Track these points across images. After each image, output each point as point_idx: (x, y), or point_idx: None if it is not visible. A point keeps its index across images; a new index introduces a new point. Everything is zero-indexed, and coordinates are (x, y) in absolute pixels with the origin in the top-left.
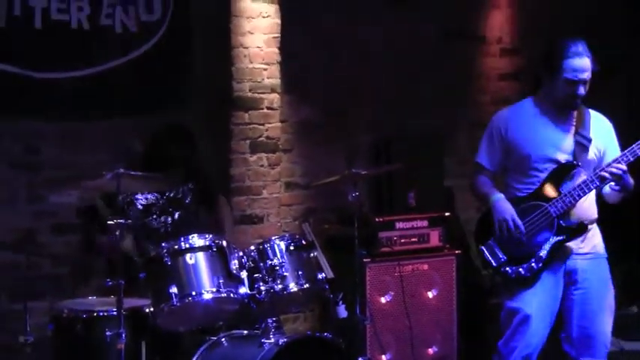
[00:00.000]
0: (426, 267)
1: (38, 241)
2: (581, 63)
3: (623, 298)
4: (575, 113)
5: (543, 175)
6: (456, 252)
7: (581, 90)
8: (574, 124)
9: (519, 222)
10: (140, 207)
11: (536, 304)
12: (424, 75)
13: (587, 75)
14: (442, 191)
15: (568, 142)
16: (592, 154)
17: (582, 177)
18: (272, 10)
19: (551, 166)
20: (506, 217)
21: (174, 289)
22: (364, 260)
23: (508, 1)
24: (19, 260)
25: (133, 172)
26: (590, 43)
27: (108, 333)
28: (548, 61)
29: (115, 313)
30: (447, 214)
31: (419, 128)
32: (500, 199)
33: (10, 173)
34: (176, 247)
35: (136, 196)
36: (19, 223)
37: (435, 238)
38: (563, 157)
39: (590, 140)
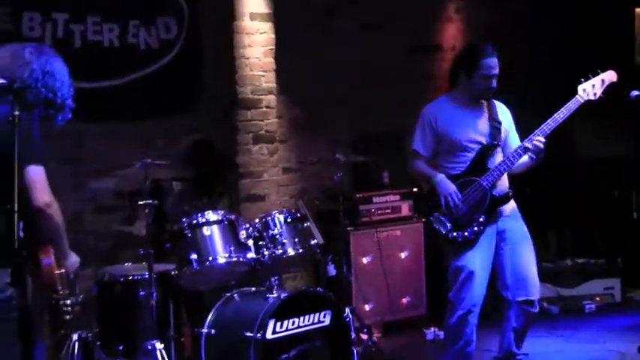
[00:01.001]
0: (398, 233)
1: (83, 221)
2: (494, 62)
3: (557, 255)
4: (485, 102)
5: (470, 155)
6: (423, 220)
7: (494, 83)
8: (486, 111)
9: (460, 195)
10: (176, 191)
11: (478, 261)
12: (392, 81)
13: (497, 71)
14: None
15: (485, 126)
16: (503, 134)
17: (500, 153)
18: (267, 27)
19: (476, 147)
20: (450, 192)
21: (194, 256)
22: (348, 229)
23: (458, 16)
24: (68, 237)
25: (157, 162)
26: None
27: (141, 293)
28: (468, 61)
29: (147, 276)
30: (414, 189)
31: (389, 124)
32: (443, 178)
33: (60, 166)
34: (194, 221)
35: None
36: (68, 206)
37: (405, 209)
38: (483, 139)
39: (500, 123)
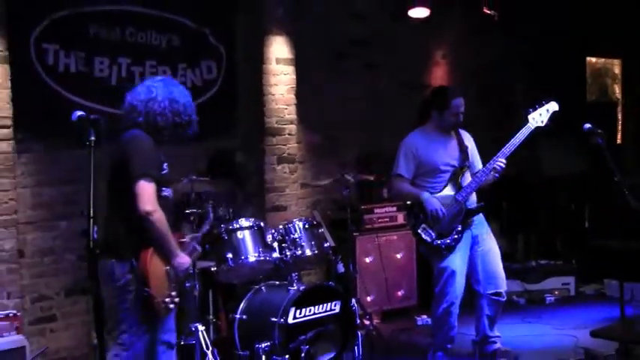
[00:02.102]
0: (395, 237)
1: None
2: (461, 101)
3: (524, 256)
4: (453, 132)
5: (446, 176)
6: None
7: (461, 118)
8: (455, 139)
9: (444, 210)
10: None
11: (458, 262)
12: (390, 112)
13: (463, 108)
14: None
15: (455, 151)
16: (470, 157)
17: (468, 173)
18: (290, 69)
19: (450, 169)
20: (437, 208)
21: (229, 255)
22: (354, 234)
23: (444, 61)
24: None
25: (201, 178)
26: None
27: (187, 284)
28: (439, 101)
29: (192, 271)
30: (408, 202)
31: (388, 148)
32: (429, 196)
33: None
34: (230, 227)
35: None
36: None
37: (400, 219)
38: (455, 162)
39: (467, 147)
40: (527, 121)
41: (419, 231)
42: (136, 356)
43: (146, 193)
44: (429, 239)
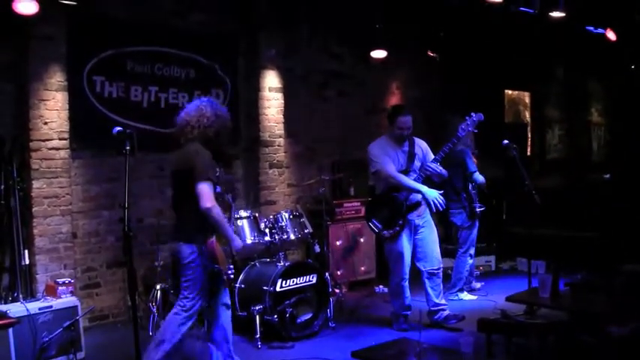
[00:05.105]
0: (359, 226)
1: (164, 214)
2: (407, 119)
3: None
4: (407, 140)
5: None
6: None
7: (406, 132)
8: (407, 147)
9: (438, 194)
10: None
11: (405, 245)
12: (357, 129)
13: (409, 124)
14: (367, 187)
15: (403, 158)
16: (417, 162)
17: (413, 176)
18: (279, 96)
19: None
20: (435, 195)
21: None
22: (328, 223)
23: (398, 91)
24: (154, 223)
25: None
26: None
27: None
28: (392, 117)
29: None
30: (369, 199)
31: (355, 156)
32: (426, 188)
33: (150, 180)
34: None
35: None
36: (154, 205)
37: (364, 211)
38: (401, 166)
39: (415, 154)
40: (457, 130)
41: (369, 223)
42: (193, 314)
43: (206, 193)
44: (376, 230)
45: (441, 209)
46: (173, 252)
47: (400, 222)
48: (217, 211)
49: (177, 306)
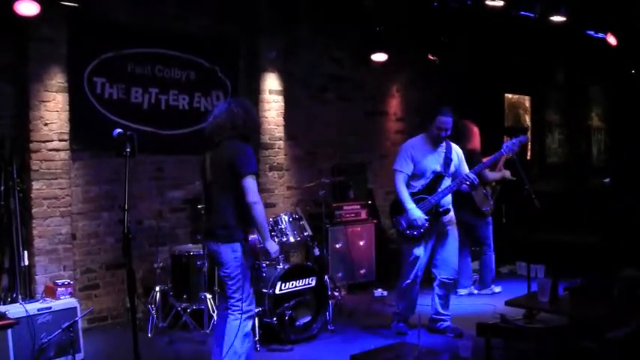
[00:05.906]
0: (359, 229)
1: (163, 216)
2: (447, 120)
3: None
4: (443, 143)
5: (427, 179)
6: (374, 221)
7: (444, 134)
8: (443, 150)
9: (424, 220)
10: None
11: (422, 250)
12: (357, 132)
13: (448, 125)
14: (367, 190)
15: (440, 160)
16: (452, 167)
17: (447, 181)
18: (279, 98)
19: (432, 175)
20: (419, 217)
21: None
22: (327, 225)
23: (398, 94)
24: (154, 225)
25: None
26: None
27: (198, 262)
28: (431, 116)
29: (201, 252)
30: (369, 202)
31: (354, 160)
32: (413, 207)
33: (149, 182)
34: None
35: None
36: (154, 207)
37: (363, 214)
38: (439, 169)
39: (451, 159)
40: (501, 147)
41: (393, 220)
42: (253, 314)
43: (252, 187)
44: (399, 228)
45: (417, 234)
46: (212, 254)
47: (427, 225)
48: (261, 208)
49: (233, 313)
